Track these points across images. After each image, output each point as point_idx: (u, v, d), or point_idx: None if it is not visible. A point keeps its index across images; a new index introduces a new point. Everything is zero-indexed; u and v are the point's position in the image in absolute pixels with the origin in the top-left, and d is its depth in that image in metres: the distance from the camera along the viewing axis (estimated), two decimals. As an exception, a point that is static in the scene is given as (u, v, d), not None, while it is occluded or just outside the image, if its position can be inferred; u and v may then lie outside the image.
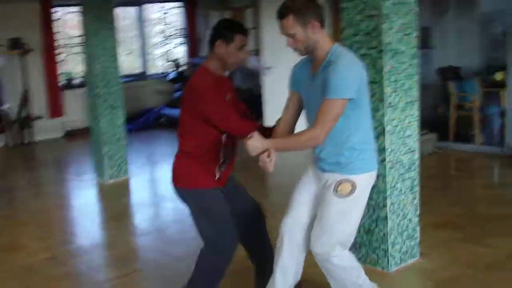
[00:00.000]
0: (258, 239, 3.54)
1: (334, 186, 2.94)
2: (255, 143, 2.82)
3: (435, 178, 6.01)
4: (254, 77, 9.63)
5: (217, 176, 3.32)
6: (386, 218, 3.84)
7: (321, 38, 2.93)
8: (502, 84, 7.15)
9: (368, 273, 3.20)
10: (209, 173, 3.30)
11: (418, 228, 4.04)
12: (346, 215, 2.97)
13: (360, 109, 2.90)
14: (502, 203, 5.23)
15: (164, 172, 7.55)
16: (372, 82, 3.71)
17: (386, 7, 3.65)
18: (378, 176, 3.76)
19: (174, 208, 5.38)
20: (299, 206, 3.15)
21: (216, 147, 3.28)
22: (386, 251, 3.88)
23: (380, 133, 3.77)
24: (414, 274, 3.90)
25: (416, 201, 4.02)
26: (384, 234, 3.87)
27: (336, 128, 2.85)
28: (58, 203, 6.22)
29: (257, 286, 3.58)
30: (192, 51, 11.77)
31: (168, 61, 11.76)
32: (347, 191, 2.93)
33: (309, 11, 2.88)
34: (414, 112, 3.93)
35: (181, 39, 11.89)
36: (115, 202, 6.21)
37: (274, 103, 8.92)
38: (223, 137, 3.27)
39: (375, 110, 3.73)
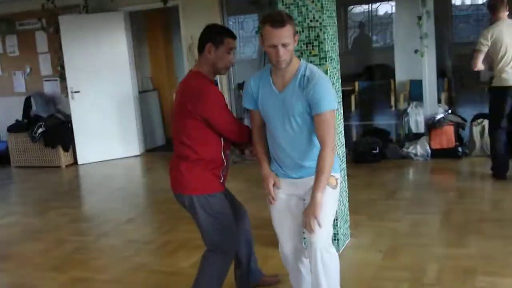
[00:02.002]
0: (247, 240, 3.72)
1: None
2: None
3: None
4: (53, 103, 9.15)
5: (222, 179, 3.40)
6: (334, 205, 4.34)
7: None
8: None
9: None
10: (217, 177, 3.36)
11: (348, 212, 4.63)
12: (334, 205, 3.13)
13: None
14: (365, 190, 6.07)
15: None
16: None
17: (324, 19, 4.17)
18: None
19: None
20: (288, 232, 3.21)
21: (220, 151, 3.35)
22: (336, 235, 4.37)
23: (327, 130, 4.26)
24: (361, 250, 4.44)
25: (347, 188, 4.62)
26: (335, 220, 4.35)
27: (314, 136, 3.00)
28: None
29: (239, 278, 3.80)
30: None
31: None
32: (334, 183, 3.08)
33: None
34: (341, 111, 4.52)
35: None
36: None
37: (84, 128, 8.68)
38: (222, 141, 3.35)
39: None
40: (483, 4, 11.87)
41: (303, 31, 4.21)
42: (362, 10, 13.87)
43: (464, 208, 5.20)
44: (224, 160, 3.40)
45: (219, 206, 3.36)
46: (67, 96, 8.79)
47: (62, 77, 8.87)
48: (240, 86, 9.50)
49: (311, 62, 4.17)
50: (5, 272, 4.73)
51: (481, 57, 5.79)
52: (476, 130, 7.05)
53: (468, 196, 5.62)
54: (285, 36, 2.85)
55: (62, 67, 8.79)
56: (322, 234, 2.98)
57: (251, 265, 3.79)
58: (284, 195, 3.18)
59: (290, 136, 3.02)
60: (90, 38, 8.69)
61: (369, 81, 9.51)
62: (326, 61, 4.19)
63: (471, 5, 13.15)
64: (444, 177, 6.63)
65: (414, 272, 3.95)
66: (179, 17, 8.88)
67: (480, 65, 5.84)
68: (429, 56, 7.50)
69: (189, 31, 8.57)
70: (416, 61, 7.57)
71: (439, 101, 7.86)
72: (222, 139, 3.35)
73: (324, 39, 4.17)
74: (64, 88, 8.97)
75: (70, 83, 8.66)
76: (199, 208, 3.33)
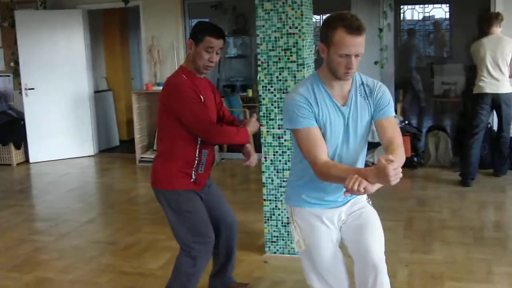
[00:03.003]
0: (227, 249, 3.67)
1: (367, 200, 2.95)
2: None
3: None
4: (5, 99, 8.87)
5: (193, 178, 3.34)
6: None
7: None
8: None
9: (290, 260, 3.84)
10: (185, 175, 3.31)
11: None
12: None
13: None
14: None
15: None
16: (294, 92, 4.24)
17: (303, 27, 4.24)
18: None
19: None
20: (337, 271, 2.92)
21: (194, 149, 3.31)
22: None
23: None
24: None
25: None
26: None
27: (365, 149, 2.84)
28: None
29: (212, 286, 3.78)
30: None
31: None
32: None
33: None
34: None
35: None
36: None
37: (37, 126, 8.45)
38: (199, 139, 3.31)
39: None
40: (429, 19, 12.44)
41: (282, 37, 4.26)
42: (314, 20, 14.14)
43: (425, 216, 5.37)
44: (197, 159, 3.33)
45: (185, 205, 3.31)
46: (20, 92, 8.55)
47: (16, 73, 8.62)
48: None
49: (289, 68, 4.27)
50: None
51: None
52: (431, 141, 7.28)
53: (428, 205, 5.79)
54: (362, 44, 2.49)
55: (17, 63, 8.53)
56: (382, 248, 2.85)
57: (227, 274, 3.75)
58: (334, 240, 2.86)
59: (351, 150, 2.73)
60: (47, 35, 8.49)
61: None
62: (303, 68, 4.25)
63: (418, 20, 13.61)
64: (402, 186, 6.74)
65: (384, 276, 4.04)
66: (137, 17, 8.80)
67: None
68: (387, 67, 7.70)
69: (150, 32, 8.49)
70: (373, 72, 7.72)
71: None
72: (199, 138, 3.30)
73: (303, 46, 4.23)
74: (17, 84, 8.72)
75: (24, 79, 8.42)
76: (165, 203, 3.34)
